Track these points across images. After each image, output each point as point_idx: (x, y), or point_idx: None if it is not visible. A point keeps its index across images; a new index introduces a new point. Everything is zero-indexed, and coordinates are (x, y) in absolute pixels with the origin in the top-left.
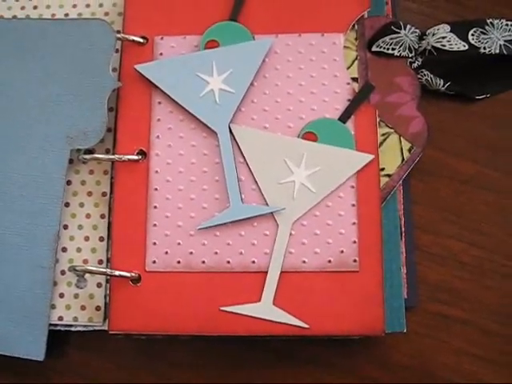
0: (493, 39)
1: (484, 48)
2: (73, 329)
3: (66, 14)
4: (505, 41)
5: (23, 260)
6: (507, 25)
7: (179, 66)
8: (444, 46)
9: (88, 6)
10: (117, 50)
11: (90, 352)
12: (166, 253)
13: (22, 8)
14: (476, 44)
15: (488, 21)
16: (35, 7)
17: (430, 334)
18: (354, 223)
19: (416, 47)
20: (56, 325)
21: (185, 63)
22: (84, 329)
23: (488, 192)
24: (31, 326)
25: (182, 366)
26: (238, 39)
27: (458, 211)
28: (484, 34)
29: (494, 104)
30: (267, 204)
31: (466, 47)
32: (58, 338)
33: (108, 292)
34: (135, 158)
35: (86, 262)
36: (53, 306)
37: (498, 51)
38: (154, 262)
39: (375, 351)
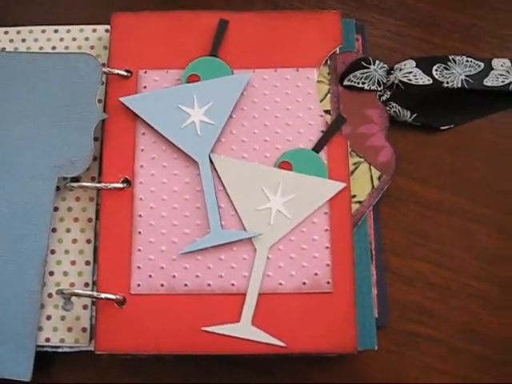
0: (455, 74)
1: (447, 82)
2: (59, 350)
3: (54, 47)
4: (466, 76)
5: (11, 284)
6: (467, 61)
7: (162, 99)
8: (410, 80)
9: (74, 39)
10: (102, 82)
11: (76, 372)
12: (150, 276)
13: (11, 41)
14: (439, 79)
15: (450, 57)
16: (23, 40)
17: (400, 351)
18: (327, 247)
19: (384, 81)
20: (43, 346)
21: (167, 96)
22: (70, 350)
23: (452, 217)
24: (19, 347)
25: None
26: (217, 74)
27: (425, 235)
28: (447, 69)
29: (458, 134)
30: (245, 229)
31: (431, 81)
32: (45, 359)
33: (94, 314)
34: (120, 186)
35: (72, 285)
36: (40, 328)
37: (459, 85)
38: (139, 285)
39: (348, 368)
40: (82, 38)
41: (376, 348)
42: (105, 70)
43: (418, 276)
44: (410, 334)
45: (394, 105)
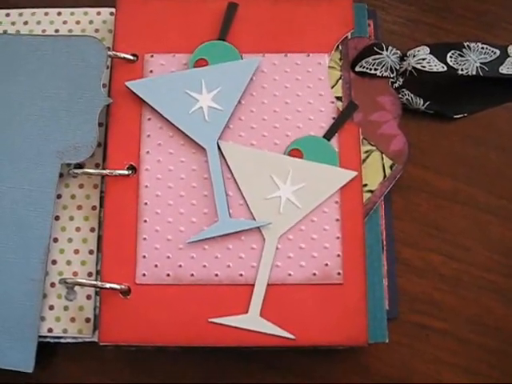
0: (470, 61)
1: (461, 69)
2: (62, 340)
3: (57, 30)
4: (481, 63)
5: (13, 273)
6: (483, 48)
7: (169, 84)
8: (424, 67)
9: (78, 22)
10: (107, 67)
11: (79, 363)
12: (156, 266)
13: (13, 23)
14: (454, 66)
15: (465, 44)
16: (26, 23)
17: (410, 343)
18: (338, 237)
19: (397, 68)
20: (45, 336)
21: (175, 81)
22: (74, 340)
23: (466, 207)
24: (21, 337)
25: (170, 377)
26: (226, 58)
27: (438, 226)
28: (461, 56)
29: (471, 123)
30: (254, 218)
31: (445, 68)
32: (46, 349)
33: (97, 304)
34: (125, 172)
35: (75, 274)
36: (42, 318)
37: (474, 73)
38: (144, 274)
39: (357, 361)
40: (86, 21)
41: (387, 341)
42: (110, 53)
43: (429, 267)
44: (420, 327)
45: (406, 92)
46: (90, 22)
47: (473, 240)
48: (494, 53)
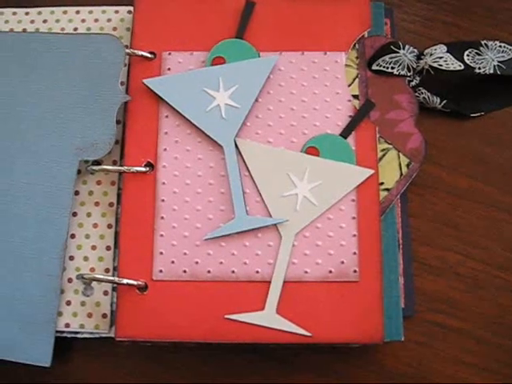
0: (487, 60)
1: (479, 68)
2: (79, 336)
3: (75, 29)
4: (498, 61)
5: (31, 268)
6: (500, 46)
7: (187, 81)
8: (441, 65)
9: (96, 20)
10: (125, 64)
11: (95, 358)
12: (173, 262)
13: (32, 22)
14: (471, 64)
15: (482, 42)
16: (45, 21)
17: (426, 342)
18: (354, 235)
19: (414, 66)
20: (62, 332)
21: (192, 78)
22: (90, 336)
23: (482, 206)
24: (38, 332)
25: (186, 373)
26: (243, 56)
27: (454, 224)
28: (479, 54)
29: (488, 122)
30: (271, 216)
31: (462, 67)
32: (63, 344)
33: (114, 300)
34: (143, 169)
35: (92, 270)
36: (60, 314)
37: (491, 71)
38: (161, 271)
39: (373, 359)
40: (105, 20)
41: (402, 339)
42: (128, 51)
43: (445, 266)
44: (436, 326)
45: (423, 91)
46: (108, 20)
47: (489, 239)
48: None
